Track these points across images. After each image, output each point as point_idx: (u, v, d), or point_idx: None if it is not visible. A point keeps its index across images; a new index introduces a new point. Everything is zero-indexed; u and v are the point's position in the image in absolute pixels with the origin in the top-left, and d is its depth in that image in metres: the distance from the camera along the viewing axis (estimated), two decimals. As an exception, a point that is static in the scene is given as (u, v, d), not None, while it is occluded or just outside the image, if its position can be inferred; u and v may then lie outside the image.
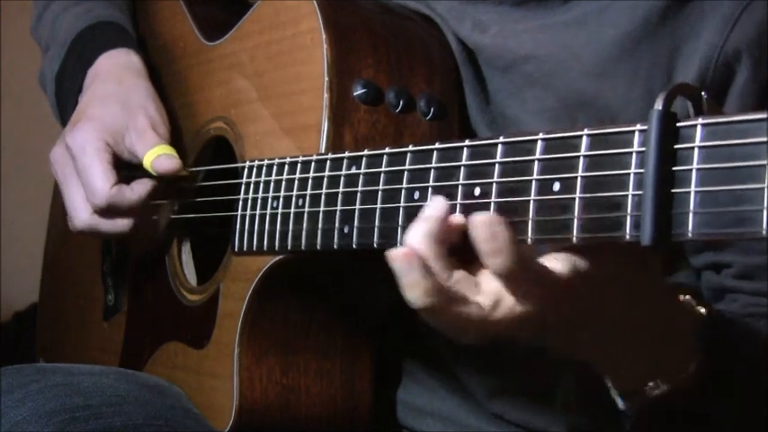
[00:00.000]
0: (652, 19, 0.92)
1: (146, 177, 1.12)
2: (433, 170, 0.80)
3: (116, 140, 1.12)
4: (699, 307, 0.80)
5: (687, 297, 0.81)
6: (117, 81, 1.15)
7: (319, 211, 0.91)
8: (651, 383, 0.77)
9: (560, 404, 0.89)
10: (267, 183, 0.99)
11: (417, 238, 0.72)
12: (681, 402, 0.78)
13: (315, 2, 0.99)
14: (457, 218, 0.74)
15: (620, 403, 0.80)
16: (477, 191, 0.76)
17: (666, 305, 0.77)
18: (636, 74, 0.93)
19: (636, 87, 0.93)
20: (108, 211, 1.10)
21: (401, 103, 0.98)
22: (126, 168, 1.13)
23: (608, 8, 0.94)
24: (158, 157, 1.09)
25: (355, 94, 0.97)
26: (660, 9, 0.92)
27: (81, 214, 1.12)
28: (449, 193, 0.78)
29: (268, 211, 0.98)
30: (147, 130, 1.11)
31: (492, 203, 0.74)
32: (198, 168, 1.16)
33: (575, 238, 0.68)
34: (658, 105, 0.64)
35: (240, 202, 1.03)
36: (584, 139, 0.69)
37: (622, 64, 0.93)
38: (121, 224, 1.12)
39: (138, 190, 1.11)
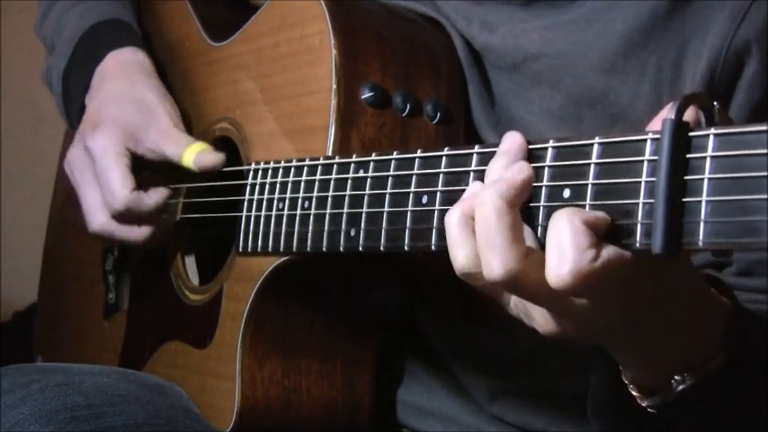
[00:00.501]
0: (659, 13, 0.92)
1: (160, 186, 1.13)
2: (441, 175, 0.81)
3: (135, 142, 1.13)
4: (722, 296, 0.79)
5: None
6: (128, 81, 1.16)
7: (326, 214, 0.92)
8: (677, 377, 0.77)
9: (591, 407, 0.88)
10: (273, 184, 0.99)
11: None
12: (707, 400, 0.77)
13: (323, 4, 0.99)
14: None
15: (641, 399, 0.79)
16: (487, 196, 0.76)
17: (695, 291, 0.76)
18: (644, 68, 0.93)
19: (644, 82, 0.93)
20: (125, 215, 1.11)
21: (408, 107, 0.98)
22: (145, 168, 1.14)
23: (616, 4, 0.95)
24: (201, 152, 1.10)
25: (363, 97, 0.97)
26: (667, 3, 0.92)
27: (98, 217, 1.13)
28: (458, 198, 0.78)
29: (273, 212, 0.99)
30: (172, 130, 1.13)
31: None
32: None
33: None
34: (671, 115, 0.64)
35: (246, 203, 1.03)
36: (596, 146, 0.70)
37: (631, 59, 0.94)
38: (136, 233, 1.13)
39: (154, 197, 1.12)
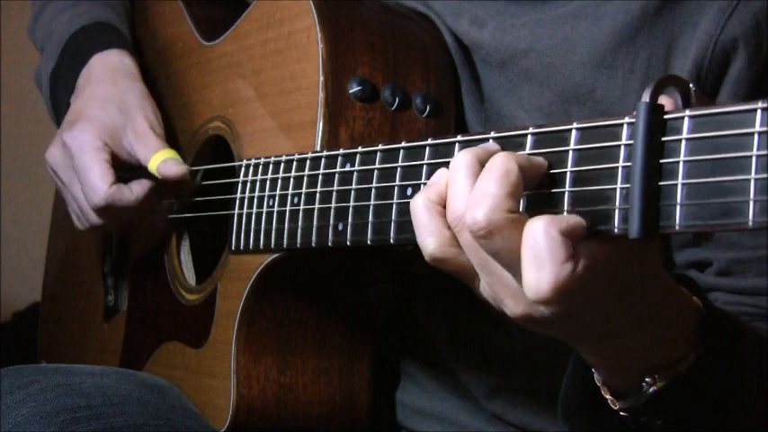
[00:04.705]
0: (649, 9, 0.92)
1: (144, 178, 1.12)
2: (425, 166, 0.80)
3: (114, 141, 1.13)
4: (693, 297, 0.78)
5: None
6: (112, 83, 1.16)
7: (314, 209, 0.91)
8: (648, 379, 0.76)
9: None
10: (263, 181, 0.99)
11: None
12: (678, 402, 0.77)
13: (311, 1, 0.99)
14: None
15: (613, 403, 0.79)
16: (469, 186, 0.75)
17: (666, 293, 0.75)
18: (633, 65, 0.93)
19: (633, 78, 0.93)
20: (106, 210, 1.11)
21: (397, 100, 0.98)
22: (124, 169, 1.14)
23: (606, 0, 0.94)
24: (165, 161, 1.10)
25: (351, 91, 0.97)
26: (657, 1, 0.92)
27: (92, 215, 1.13)
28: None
29: (264, 209, 0.98)
30: (147, 133, 1.12)
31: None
32: (196, 168, 1.16)
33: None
34: (646, 98, 0.64)
35: (237, 201, 1.03)
36: (574, 132, 0.69)
37: (620, 55, 0.93)
38: (132, 220, 1.13)
39: (136, 190, 1.12)
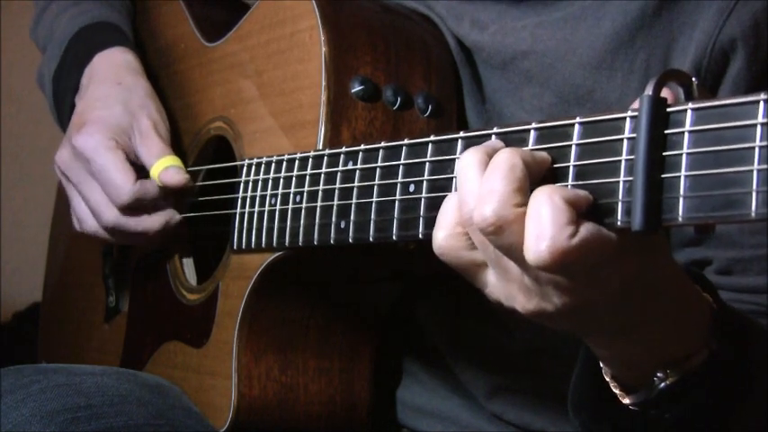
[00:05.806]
0: (648, 10, 0.93)
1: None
2: (428, 163, 0.81)
3: (122, 140, 1.13)
4: (704, 293, 0.79)
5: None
6: (116, 81, 1.16)
7: (316, 207, 0.92)
8: (660, 374, 0.76)
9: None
10: (265, 180, 1.00)
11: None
12: (689, 397, 0.77)
13: (313, 1, 1.00)
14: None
15: (622, 398, 0.79)
16: (472, 182, 0.76)
17: (679, 289, 0.76)
18: (632, 65, 0.93)
19: (633, 79, 0.93)
20: (133, 207, 1.10)
21: (399, 100, 0.98)
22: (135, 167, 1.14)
23: (606, 2, 0.95)
24: (167, 169, 1.10)
25: (353, 91, 0.97)
26: (656, 2, 0.92)
27: (107, 215, 1.12)
28: (444, 186, 0.78)
29: (266, 208, 0.99)
30: (151, 135, 1.12)
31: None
32: (198, 168, 1.16)
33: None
34: (649, 91, 0.64)
35: (239, 201, 1.03)
36: (577, 127, 0.70)
37: (620, 56, 0.94)
38: (149, 222, 1.12)
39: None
